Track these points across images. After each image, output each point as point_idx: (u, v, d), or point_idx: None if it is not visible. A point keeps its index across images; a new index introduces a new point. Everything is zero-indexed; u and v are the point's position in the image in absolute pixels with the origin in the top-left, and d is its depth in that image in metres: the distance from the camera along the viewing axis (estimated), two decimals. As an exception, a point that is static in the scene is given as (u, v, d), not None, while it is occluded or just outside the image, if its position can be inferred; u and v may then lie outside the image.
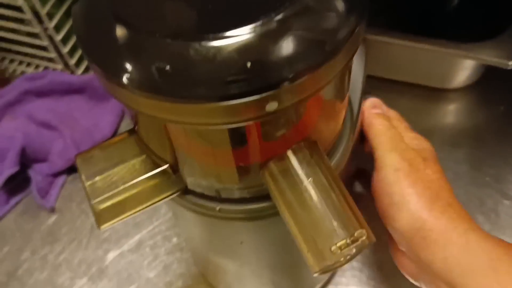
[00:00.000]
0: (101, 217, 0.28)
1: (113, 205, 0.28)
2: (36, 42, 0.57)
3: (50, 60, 0.60)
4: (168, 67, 0.20)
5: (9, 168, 0.53)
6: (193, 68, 0.21)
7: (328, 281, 0.49)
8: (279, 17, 0.21)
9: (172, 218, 0.54)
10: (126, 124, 0.63)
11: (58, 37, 0.56)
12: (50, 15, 0.54)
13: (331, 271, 0.26)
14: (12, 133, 0.55)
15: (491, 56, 0.51)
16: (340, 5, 0.22)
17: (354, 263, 0.50)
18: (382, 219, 0.34)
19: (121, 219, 0.29)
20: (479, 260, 0.29)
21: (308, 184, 0.26)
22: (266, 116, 0.22)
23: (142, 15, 0.23)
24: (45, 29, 0.56)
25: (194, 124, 0.22)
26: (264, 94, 0.20)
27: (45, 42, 0.56)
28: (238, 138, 0.24)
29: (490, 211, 0.52)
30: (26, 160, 0.56)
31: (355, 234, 0.24)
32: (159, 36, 0.21)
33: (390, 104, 0.39)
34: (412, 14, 0.65)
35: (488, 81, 0.61)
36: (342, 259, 0.24)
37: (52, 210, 0.56)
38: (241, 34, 0.21)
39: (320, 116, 0.27)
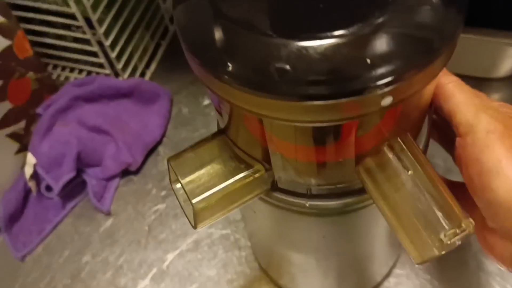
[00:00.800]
0: (199, 217, 0.29)
1: (209, 205, 0.29)
2: (87, 48, 0.58)
3: (99, 65, 0.61)
4: (288, 67, 0.21)
5: (67, 174, 0.54)
6: (310, 66, 0.21)
7: (389, 273, 0.49)
8: (390, 15, 0.21)
9: (228, 217, 0.55)
10: (172, 127, 0.63)
11: (107, 43, 0.57)
12: (100, 21, 0.55)
13: (431, 260, 0.26)
14: (66, 138, 0.56)
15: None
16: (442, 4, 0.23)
17: (413, 254, 0.50)
18: (471, 190, 0.29)
19: (215, 219, 0.30)
20: None
21: (408, 176, 0.26)
22: (379, 111, 0.22)
23: (248, 12, 0.23)
24: (94, 34, 0.57)
25: (308, 121, 0.22)
26: (385, 89, 0.21)
27: (95, 48, 0.57)
28: (339, 134, 0.25)
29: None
30: (80, 164, 0.57)
31: (463, 225, 0.25)
32: (272, 35, 0.22)
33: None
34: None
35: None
36: (447, 249, 0.25)
37: (108, 213, 0.57)
38: (356, 32, 0.21)
39: (415, 109, 0.27)
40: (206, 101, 0.65)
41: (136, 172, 0.60)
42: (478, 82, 0.61)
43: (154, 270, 0.53)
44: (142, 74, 0.67)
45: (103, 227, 0.56)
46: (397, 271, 0.50)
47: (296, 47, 0.21)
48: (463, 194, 0.29)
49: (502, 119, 0.28)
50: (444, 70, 0.31)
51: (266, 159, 0.29)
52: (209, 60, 0.23)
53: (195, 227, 0.29)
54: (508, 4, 0.62)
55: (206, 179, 0.29)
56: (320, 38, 0.21)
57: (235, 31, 0.23)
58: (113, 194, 0.58)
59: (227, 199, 0.29)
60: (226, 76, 0.22)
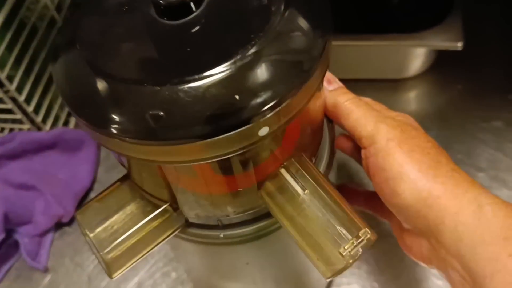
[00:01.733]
0: (112, 266, 0.29)
1: (121, 253, 0.29)
2: (1, 106, 0.56)
3: (17, 121, 0.60)
4: (160, 113, 0.22)
5: (-4, 236, 0.53)
6: (183, 109, 0.22)
7: (330, 284, 0.50)
8: (256, 48, 0.22)
9: (168, 254, 0.55)
10: (103, 171, 0.63)
11: (21, 98, 0.56)
12: (10, 78, 0.54)
13: (341, 273, 0.27)
14: (-8, 200, 0.54)
15: (442, 41, 0.54)
16: (308, 26, 0.24)
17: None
18: (382, 197, 0.31)
19: (130, 265, 0.30)
20: (491, 229, 0.26)
21: (305, 195, 0.27)
22: (259, 141, 0.23)
23: (119, 64, 0.24)
24: (6, 92, 0.56)
25: (194, 161, 0.23)
26: (257, 121, 0.22)
27: (9, 105, 0.56)
28: (234, 166, 0.25)
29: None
30: (10, 224, 0.55)
31: (360, 234, 0.26)
32: (143, 84, 0.22)
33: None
34: (357, 16, 0.67)
35: (442, 64, 0.64)
36: (351, 260, 0.26)
37: (46, 270, 0.55)
38: (225, 70, 0.22)
39: (304, 130, 0.28)
40: (134, 141, 0.64)
41: (70, 222, 0.58)
42: (392, 84, 0.65)
43: (100, 320, 0.52)
44: (66, 122, 0.66)
45: (41, 285, 0.55)
46: (337, 279, 0.50)
47: (167, 92, 0.22)
48: (381, 202, 0.31)
49: (398, 126, 0.30)
50: (341, 89, 0.33)
51: (172, 199, 0.29)
52: (91, 118, 0.23)
53: (110, 276, 0.29)
54: (406, 9, 0.65)
55: (118, 226, 0.30)
56: (190, 81, 0.22)
57: (111, 85, 0.23)
58: (49, 249, 0.57)
59: (140, 243, 0.29)
60: (107, 130, 0.23)
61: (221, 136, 0.22)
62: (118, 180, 0.31)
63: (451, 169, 0.29)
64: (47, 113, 0.62)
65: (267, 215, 0.31)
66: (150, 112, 0.22)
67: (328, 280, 0.27)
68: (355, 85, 0.63)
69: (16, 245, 0.57)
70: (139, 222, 0.29)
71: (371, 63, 0.62)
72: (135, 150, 0.23)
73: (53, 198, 0.56)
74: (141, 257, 0.30)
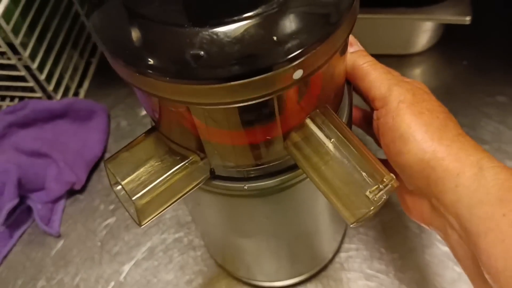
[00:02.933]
0: (142, 213, 0.29)
1: (150, 200, 0.30)
2: (14, 73, 0.57)
3: (30, 89, 0.61)
4: (200, 52, 0.22)
5: (9, 202, 0.54)
6: (223, 49, 0.22)
7: (339, 249, 0.52)
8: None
9: (179, 220, 0.56)
10: (113, 140, 0.64)
11: (34, 65, 0.57)
12: (24, 45, 0.55)
13: (364, 219, 0.28)
14: (4, 166, 0.55)
15: (450, 15, 0.55)
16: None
17: (360, 228, 0.53)
18: (388, 158, 0.32)
19: (158, 214, 0.31)
20: (489, 190, 0.27)
21: (331, 144, 0.28)
22: (292, 85, 0.24)
23: (159, 8, 0.24)
24: (20, 59, 0.56)
25: (231, 102, 0.24)
26: (294, 63, 0.23)
27: (22, 72, 0.57)
28: (265, 112, 0.26)
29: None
30: (23, 191, 0.56)
31: (384, 180, 0.27)
32: (184, 26, 0.23)
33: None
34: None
35: (448, 40, 0.66)
36: (376, 204, 0.27)
37: (58, 235, 0.56)
38: (262, 13, 0.23)
39: (329, 83, 0.29)
40: (144, 112, 0.65)
41: (82, 190, 0.59)
42: (398, 59, 0.66)
43: (112, 284, 0.53)
44: (76, 94, 0.67)
45: (54, 250, 0.56)
46: (346, 245, 0.52)
47: (207, 33, 0.23)
48: (386, 167, 0.32)
49: (411, 89, 0.31)
50: (360, 52, 0.34)
51: (200, 148, 0.30)
52: (129, 58, 0.24)
53: (139, 224, 0.30)
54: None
55: (145, 177, 0.30)
56: (228, 23, 0.23)
57: (149, 27, 0.24)
58: (61, 215, 0.58)
59: (167, 192, 0.30)
60: (147, 70, 0.23)
61: (259, 77, 0.23)
62: (144, 133, 0.32)
63: (457, 134, 0.30)
64: (58, 82, 0.63)
65: (290, 167, 0.32)
66: (191, 52, 0.22)
67: (352, 225, 0.28)
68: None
69: (29, 211, 0.58)
70: (166, 172, 0.30)
71: (379, 37, 0.63)
72: (172, 91, 0.24)
73: (65, 164, 0.57)
74: (168, 206, 0.31)
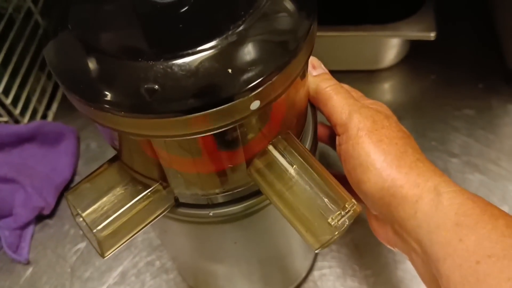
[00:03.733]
0: (104, 245, 0.29)
1: (113, 232, 0.29)
2: (-23, 98, 0.56)
3: (-6, 114, 0.59)
4: (154, 86, 0.22)
5: (-25, 229, 0.52)
6: (178, 83, 0.22)
7: (312, 268, 0.52)
8: (246, 25, 0.23)
9: (151, 243, 0.55)
10: (83, 162, 0.63)
11: (-1, 90, 0.56)
12: (-13, 69, 0.54)
13: (328, 245, 0.28)
14: (-30, 194, 0.54)
15: (415, 31, 0.56)
16: (294, 9, 0.25)
17: (332, 246, 0.53)
18: (351, 184, 0.32)
19: (122, 244, 0.30)
20: (446, 215, 0.28)
21: (293, 171, 0.28)
22: (250, 116, 0.24)
23: (112, 41, 0.24)
24: (-16, 84, 0.55)
25: (188, 134, 0.24)
26: (250, 94, 0.22)
27: (-14, 97, 0.56)
28: (226, 141, 0.26)
29: (441, 171, 0.57)
30: (-10, 218, 0.55)
31: (346, 206, 0.27)
32: (138, 59, 0.23)
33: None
34: (332, 7, 0.69)
35: (415, 55, 0.67)
36: (339, 231, 0.27)
37: (27, 262, 0.55)
38: (217, 45, 0.23)
39: (291, 109, 0.29)
40: (113, 133, 0.65)
41: (51, 215, 0.58)
42: (367, 75, 0.66)
43: (84, 311, 0.52)
44: (44, 116, 0.66)
45: (23, 277, 0.54)
46: (319, 263, 0.52)
47: (162, 67, 0.22)
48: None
49: (371, 116, 0.32)
50: (324, 75, 0.34)
51: (162, 177, 0.30)
52: (85, 92, 0.24)
53: (102, 256, 0.29)
54: (380, 1, 0.67)
55: (108, 207, 0.30)
56: (183, 56, 0.23)
57: (103, 60, 0.24)
58: (30, 242, 0.56)
59: (131, 222, 0.30)
60: (103, 105, 0.23)
61: (215, 109, 0.22)
62: (106, 162, 0.31)
63: (416, 159, 0.30)
64: (25, 106, 0.62)
65: (255, 193, 0.32)
66: (145, 86, 0.22)
67: (316, 251, 0.27)
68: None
69: (-5, 239, 0.56)
70: (129, 202, 0.30)
71: (346, 54, 0.64)
72: (129, 124, 0.24)
73: (33, 190, 0.56)
74: (132, 236, 0.30)
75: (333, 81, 0.34)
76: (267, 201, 0.32)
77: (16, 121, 0.62)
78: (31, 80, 0.63)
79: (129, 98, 0.23)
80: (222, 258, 0.39)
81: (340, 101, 0.32)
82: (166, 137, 0.24)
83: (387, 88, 0.66)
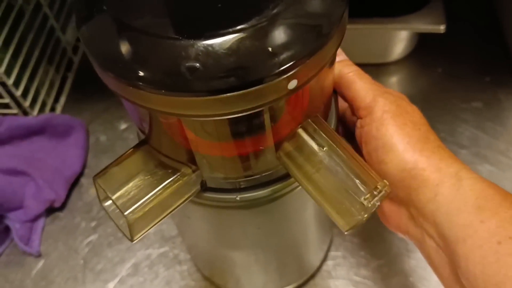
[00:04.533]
0: (134, 228, 0.29)
1: (142, 215, 0.29)
2: (-12, 90, 0.56)
3: (5, 106, 0.59)
4: (195, 64, 0.22)
5: (-13, 222, 0.52)
6: (218, 61, 0.22)
7: (325, 257, 0.52)
8: (283, 6, 0.24)
9: (164, 235, 0.55)
10: (92, 155, 0.63)
11: (10, 81, 0.55)
12: (-1, 61, 0.54)
13: (358, 226, 0.28)
14: (-19, 186, 0.53)
15: (425, 24, 0.57)
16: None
17: (345, 236, 0.53)
18: (370, 166, 0.31)
19: (149, 228, 0.30)
20: (467, 199, 0.28)
21: (323, 153, 0.28)
22: (287, 95, 0.24)
23: (151, 21, 0.24)
24: (-5, 75, 0.55)
25: (225, 114, 0.24)
26: (288, 73, 0.23)
27: (-2, 89, 0.56)
28: (258, 124, 0.26)
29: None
30: (0, 210, 0.55)
31: (378, 186, 0.27)
32: (178, 38, 0.23)
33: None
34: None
35: (422, 49, 0.67)
36: (370, 211, 0.27)
37: (39, 255, 0.55)
38: (257, 24, 0.23)
39: (320, 92, 0.29)
40: (123, 125, 0.65)
41: (62, 207, 0.58)
42: (375, 68, 0.67)
43: (97, 303, 0.52)
44: (53, 109, 0.66)
45: (34, 270, 0.54)
46: (332, 253, 0.52)
47: (202, 45, 0.23)
48: None
49: (395, 101, 0.32)
50: (346, 61, 0.34)
51: (191, 161, 0.30)
52: (125, 72, 0.24)
53: (131, 239, 0.29)
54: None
55: (135, 191, 0.30)
56: (223, 35, 0.23)
57: (142, 40, 0.24)
58: (41, 234, 0.56)
59: (159, 206, 0.30)
60: (141, 83, 0.23)
61: (254, 88, 0.23)
62: (133, 147, 0.31)
63: (438, 146, 0.31)
64: (34, 98, 0.61)
65: (281, 178, 0.32)
66: (186, 65, 0.22)
67: (346, 232, 0.28)
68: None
69: (7, 231, 0.56)
70: (158, 186, 0.30)
71: (356, 47, 0.64)
72: (167, 103, 0.24)
73: (43, 182, 0.56)
74: (160, 220, 0.30)
75: (355, 67, 0.34)
76: (293, 186, 0.32)
77: (26, 113, 0.61)
78: (40, 72, 0.62)
79: (170, 77, 0.23)
80: (242, 245, 0.39)
81: (364, 85, 0.33)
82: (202, 117, 0.24)
83: (395, 81, 0.67)
